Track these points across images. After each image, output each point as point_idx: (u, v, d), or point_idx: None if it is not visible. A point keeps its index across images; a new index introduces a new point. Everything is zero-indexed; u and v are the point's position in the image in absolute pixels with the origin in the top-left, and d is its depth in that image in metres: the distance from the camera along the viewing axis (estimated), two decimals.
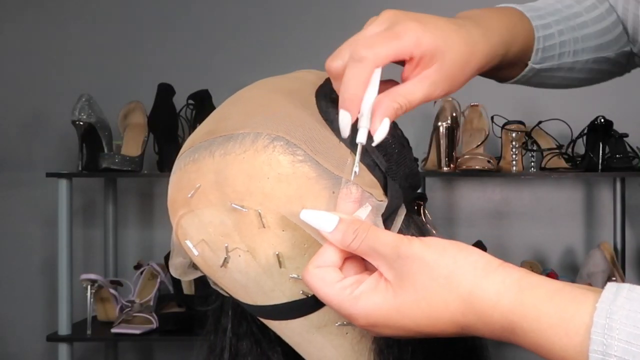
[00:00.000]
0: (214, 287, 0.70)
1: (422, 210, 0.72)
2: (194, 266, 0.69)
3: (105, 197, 2.65)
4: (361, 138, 0.61)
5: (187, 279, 0.73)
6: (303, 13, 2.72)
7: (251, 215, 0.62)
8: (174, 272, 0.71)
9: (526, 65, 0.84)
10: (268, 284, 0.64)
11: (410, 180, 0.68)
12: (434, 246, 0.55)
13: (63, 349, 2.34)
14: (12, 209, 2.73)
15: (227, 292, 0.69)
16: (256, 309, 0.67)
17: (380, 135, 0.60)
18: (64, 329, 2.34)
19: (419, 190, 0.72)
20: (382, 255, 0.56)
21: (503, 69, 0.81)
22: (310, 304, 0.63)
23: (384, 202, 0.63)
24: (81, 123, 2.36)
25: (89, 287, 2.32)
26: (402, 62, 0.64)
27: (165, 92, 2.49)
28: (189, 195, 0.64)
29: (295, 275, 0.63)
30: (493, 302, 0.53)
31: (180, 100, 2.49)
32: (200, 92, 2.46)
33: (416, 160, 0.70)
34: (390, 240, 0.56)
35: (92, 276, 2.32)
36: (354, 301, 0.56)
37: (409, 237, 0.56)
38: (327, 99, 0.66)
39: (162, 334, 2.33)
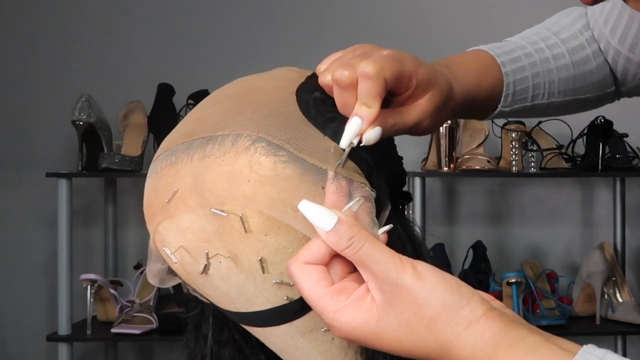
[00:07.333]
0: (193, 293, 0.67)
1: (405, 210, 0.71)
2: (172, 273, 0.67)
3: (105, 197, 2.66)
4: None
5: (165, 287, 0.72)
6: (303, 13, 2.71)
7: (232, 220, 0.60)
8: (151, 280, 0.69)
9: (496, 107, 0.86)
10: (251, 290, 0.62)
11: (395, 178, 0.68)
12: (427, 282, 0.55)
13: (63, 349, 2.34)
14: (12, 209, 2.73)
15: (207, 299, 0.67)
16: (239, 316, 0.65)
17: (370, 136, 0.60)
18: (64, 329, 2.34)
19: (404, 189, 0.71)
20: (373, 272, 0.55)
21: (474, 112, 0.83)
22: (294, 310, 0.61)
23: (374, 193, 0.62)
24: (81, 123, 2.36)
25: (89, 287, 2.32)
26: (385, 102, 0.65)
27: (165, 92, 2.50)
28: (166, 200, 0.62)
29: (279, 281, 0.61)
30: (468, 353, 0.54)
31: (180, 100, 2.49)
32: (200, 92, 2.46)
33: (401, 158, 0.71)
34: (384, 260, 0.55)
35: (92, 276, 2.32)
36: (336, 314, 0.55)
37: (403, 260, 0.55)
38: (309, 96, 0.64)
39: (162, 334, 2.34)
